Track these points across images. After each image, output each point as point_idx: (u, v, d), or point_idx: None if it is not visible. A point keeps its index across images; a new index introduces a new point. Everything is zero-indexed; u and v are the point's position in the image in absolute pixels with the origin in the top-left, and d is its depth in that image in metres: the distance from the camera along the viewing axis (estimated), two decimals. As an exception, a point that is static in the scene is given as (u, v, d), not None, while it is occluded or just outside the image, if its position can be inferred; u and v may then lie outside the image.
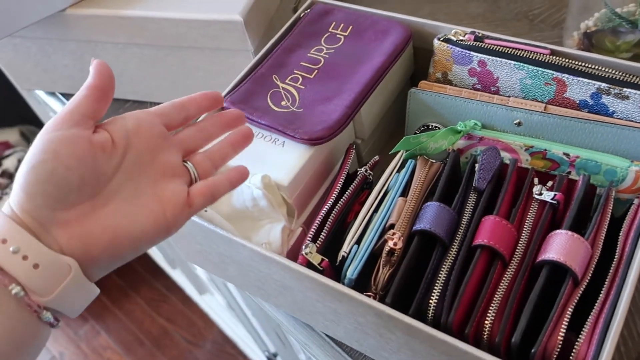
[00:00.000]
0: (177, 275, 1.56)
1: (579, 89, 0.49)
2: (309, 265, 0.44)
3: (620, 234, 0.42)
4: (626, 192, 0.46)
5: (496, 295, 0.40)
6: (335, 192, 0.49)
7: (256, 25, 0.64)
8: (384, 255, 0.43)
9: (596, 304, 0.38)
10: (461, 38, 0.54)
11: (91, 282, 0.34)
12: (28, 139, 1.59)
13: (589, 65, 0.49)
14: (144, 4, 0.66)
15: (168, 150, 0.38)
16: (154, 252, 1.58)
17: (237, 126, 0.42)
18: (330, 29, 0.60)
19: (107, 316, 1.65)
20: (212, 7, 0.63)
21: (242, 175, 0.41)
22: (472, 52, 0.53)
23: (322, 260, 0.44)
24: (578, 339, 0.37)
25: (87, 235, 0.33)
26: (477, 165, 0.47)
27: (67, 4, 0.67)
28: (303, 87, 0.55)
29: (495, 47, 0.53)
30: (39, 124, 1.47)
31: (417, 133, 0.55)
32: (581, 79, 0.49)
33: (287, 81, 0.56)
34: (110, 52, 0.70)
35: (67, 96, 0.81)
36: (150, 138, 0.37)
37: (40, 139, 0.33)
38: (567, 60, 0.50)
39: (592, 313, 0.38)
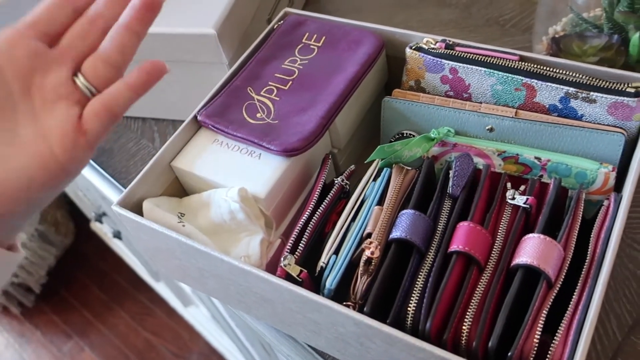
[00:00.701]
0: (161, 288, 1.54)
1: (548, 93, 0.50)
2: (288, 277, 0.44)
3: (592, 235, 0.43)
4: (596, 193, 0.47)
5: (473, 301, 0.41)
6: (312, 203, 0.49)
7: (230, 38, 0.64)
8: (361, 264, 0.43)
9: (570, 306, 0.39)
10: (432, 46, 0.55)
11: None
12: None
13: (557, 70, 0.50)
14: (117, 18, 0.65)
15: (48, 69, 0.31)
16: (137, 266, 1.57)
17: None
18: (303, 40, 0.60)
19: (90, 332, 1.63)
20: (186, 21, 0.63)
21: (147, 74, 0.32)
22: (443, 60, 0.54)
23: (301, 271, 0.44)
24: (553, 341, 0.38)
25: None
26: (450, 172, 0.48)
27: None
28: (278, 99, 0.55)
29: (466, 54, 0.53)
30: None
31: (392, 141, 0.56)
32: (550, 84, 0.50)
33: (262, 93, 0.56)
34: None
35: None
36: (17, 63, 0.30)
37: None
38: (535, 66, 0.51)
39: (566, 314, 0.39)
